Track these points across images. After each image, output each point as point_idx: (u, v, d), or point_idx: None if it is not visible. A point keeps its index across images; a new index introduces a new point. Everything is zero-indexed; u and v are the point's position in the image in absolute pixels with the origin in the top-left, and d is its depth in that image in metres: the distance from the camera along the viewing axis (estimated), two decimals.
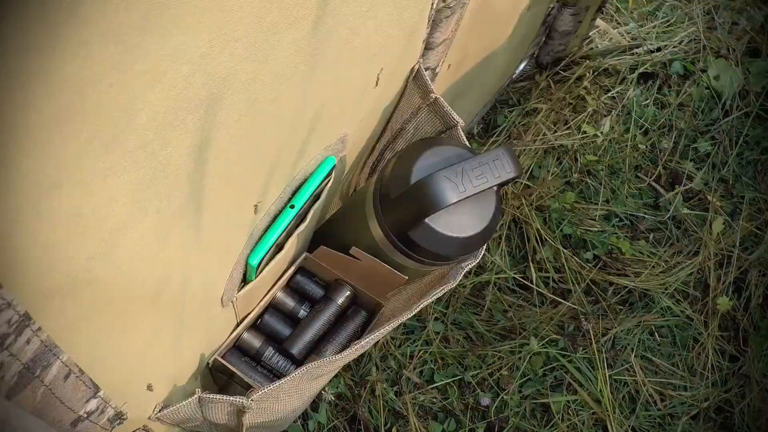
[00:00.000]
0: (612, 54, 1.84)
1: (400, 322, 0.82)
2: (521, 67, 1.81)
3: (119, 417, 0.63)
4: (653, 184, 1.72)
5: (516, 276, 1.65)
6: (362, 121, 0.87)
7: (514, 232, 1.70)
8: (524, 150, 1.74)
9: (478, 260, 0.86)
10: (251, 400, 0.74)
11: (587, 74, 1.79)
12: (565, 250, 1.64)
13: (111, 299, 0.52)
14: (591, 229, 1.67)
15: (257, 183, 0.69)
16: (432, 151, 0.81)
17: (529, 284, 1.64)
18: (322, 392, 1.46)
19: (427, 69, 0.99)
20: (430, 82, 0.88)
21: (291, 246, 0.86)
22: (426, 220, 0.79)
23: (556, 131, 1.75)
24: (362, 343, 0.80)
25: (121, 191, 0.46)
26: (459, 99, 1.42)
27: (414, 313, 0.82)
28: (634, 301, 1.62)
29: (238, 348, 0.96)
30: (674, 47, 1.85)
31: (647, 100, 1.79)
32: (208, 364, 0.89)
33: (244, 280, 0.83)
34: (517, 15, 1.25)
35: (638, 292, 1.62)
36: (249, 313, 0.94)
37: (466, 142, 0.88)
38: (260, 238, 0.80)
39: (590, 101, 1.77)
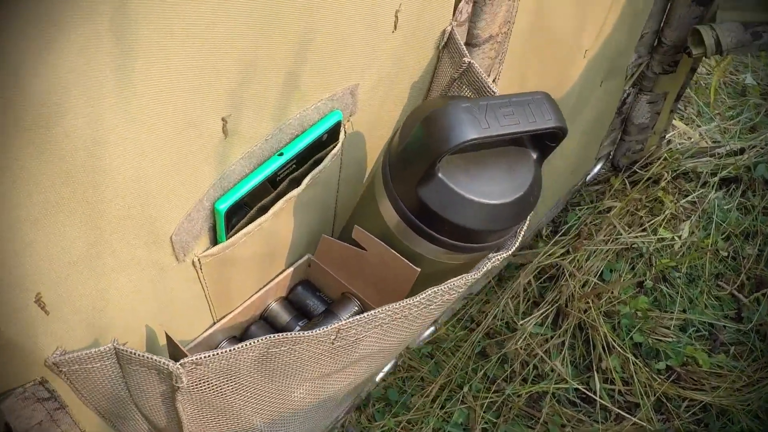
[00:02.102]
0: (691, 155, 1.63)
1: (402, 306, 0.60)
2: (596, 168, 1.62)
3: None
4: (735, 293, 1.46)
5: (578, 386, 1.38)
6: (382, 81, 0.69)
7: (578, 339, 1.45)
8: (594, 251, 1.51)
9: (510, 252, 0.65)
10: (179, 365, 0.53)
11: (665, 175, 1.57)
12: (635, 360, 1.37)
13: None
14: (665, 338, 1.40)
15: (218, 82, 0.51)
16: (453, 102, 0.62)
17: (592, 396, 1.36)
18: None
19: None
20: (463, 46, 0.70)
21: (281, 214, 0.66)
22: (441, 175, 0.59)
23: (630, 232, 1.52)
24: (343, 323, 0.58)
25: None
26: None
27: (422, 300, 0.60)
28: (710, 421, 1.32)
29: None
30: (759, 149, 1.63)
31: (730, 204, 1.56)
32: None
33: (216, 242, 0.64)
34: (581, 58, 1.07)
35: (716, 409, 1.32)
36: (230, 313, 0.73)
37: None
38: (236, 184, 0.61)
39: (668, 204, 1.55)
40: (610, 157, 1.62)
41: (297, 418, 0.72)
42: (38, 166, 0.43)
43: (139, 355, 0.53)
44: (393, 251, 0.66)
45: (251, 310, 0.75)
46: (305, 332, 0.56)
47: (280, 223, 0.68)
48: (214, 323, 0.72)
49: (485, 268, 0.63)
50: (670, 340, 1.41)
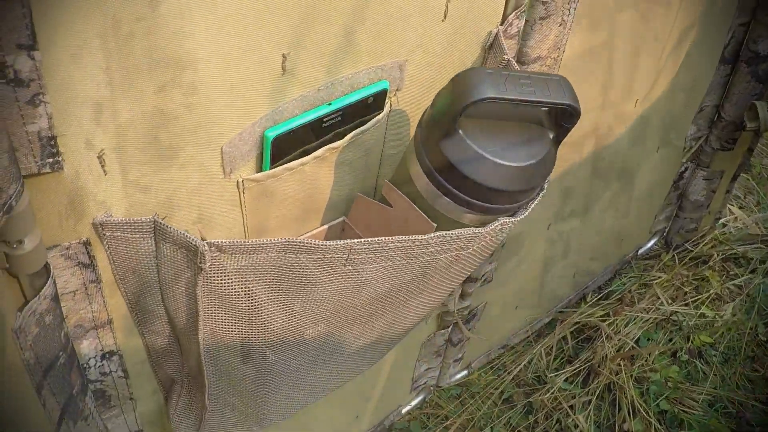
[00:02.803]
0: (742, 238, 1.65)
1: (411, 240, 0.67)
2: (650, 243, 1.65)
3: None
4: None
5: None
6: (429, 65, 0.78)
7: (606, 400, 1.46)
8: (634, 318, 1.54)
9: (517, 220, 0.71)
10: (206, 243, 0.61)
11: (715, 255, 1.60)
12: (658, 425, 1.38)
13: None
14: (691, 410, 1.41)
15: (283, 18, 0.60)
16: (479, 67, 0.71)
17: None
18: None
19: None
20: (506, 47, 0.78)
21: (323, 165, 0.75)
22: (461, 132, 0.67)
23: (673, 305, 1.55)
24: (354, 241, 0.65)
25: None
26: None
27: (428, 239, 0.67)
28: None
29: None
30: None
31: None
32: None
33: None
34: (632, 106, 1.14)
35: None
36: None
37: None
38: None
39: (714, 283, 1.57)
40: (665, 233, 1.65)
41: (305, 358, 0.78)
42: (131, 30, 0.52)
43: (173, 230, 0.61)
44: (414, 206, 0.73)
45: None
46: (321, 242, 0.64)
47: (321, 173, 0.76)
48: None
49: (492, 227, 0.70)
50: (696, 412, 1.41)
